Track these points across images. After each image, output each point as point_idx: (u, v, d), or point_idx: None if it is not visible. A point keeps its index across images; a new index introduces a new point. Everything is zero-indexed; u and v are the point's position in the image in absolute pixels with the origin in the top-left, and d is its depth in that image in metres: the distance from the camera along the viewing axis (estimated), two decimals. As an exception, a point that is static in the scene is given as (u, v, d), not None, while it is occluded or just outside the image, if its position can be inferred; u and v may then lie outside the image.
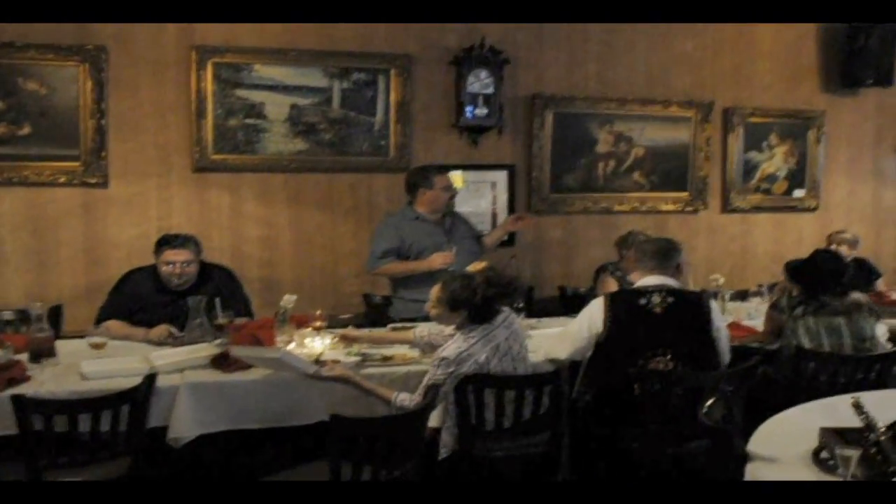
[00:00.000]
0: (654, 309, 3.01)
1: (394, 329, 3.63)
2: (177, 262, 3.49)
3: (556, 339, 3.20)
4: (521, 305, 3.69)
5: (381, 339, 3.40)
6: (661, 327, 3.01)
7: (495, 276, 2.90)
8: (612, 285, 4.15)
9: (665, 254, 3.14)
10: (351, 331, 3.42)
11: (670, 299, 3.03)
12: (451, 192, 4.04)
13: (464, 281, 2.86)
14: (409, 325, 3.61)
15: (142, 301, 3.53)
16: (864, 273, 4.91)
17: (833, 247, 4.77)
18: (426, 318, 3.21)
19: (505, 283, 2.89)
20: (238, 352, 2.96)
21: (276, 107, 4.58)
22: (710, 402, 2.48)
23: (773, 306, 3.51)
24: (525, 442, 2.88)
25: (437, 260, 3.80)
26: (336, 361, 3.02)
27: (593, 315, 3.07)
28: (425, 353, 3.15)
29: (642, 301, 3.02)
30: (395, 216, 4.12)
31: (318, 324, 3.34)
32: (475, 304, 2.81)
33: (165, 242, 3.53)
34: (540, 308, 4.56)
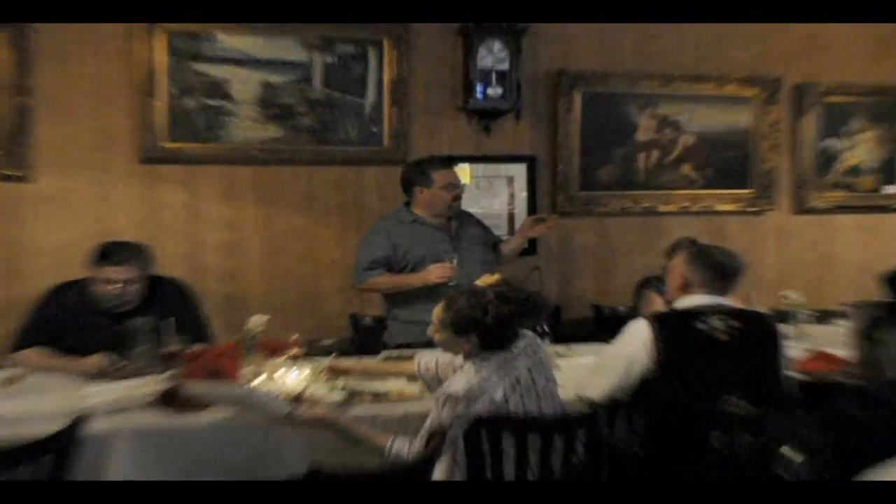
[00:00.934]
0: (718, 336, 2.94)
1: (389, 359, 3.55)
2: (117, 282, 3.42)
3: (588, 373, 3.12)
4: (545, 329, 3.61)
5: (375, 370, 3.33)
6: (728, 359, 2.93)
7: (511, 292, 2.82)
8: (658, 304, 4.05)
9: (724, 272, 3.07)
10: (337, 361, 3.33)
11: (735, 323, 2.96)
12: (454, 190, 3.97)
13: (472, 298, 2.79)
14: (406, 352, 3.54)
15: (72, 323, 3.43)
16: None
17: None
18: (429, 344, 3.14)
19: (523, 300, 2.81)
20: (193, 387, 2.88)
21: (244, 85, 4.58)
22: (790, 451, 2.40)
23: (862, 334, 3.38)
24: (555, 502, 2.73)
25: (434, 273, 3.76)
26: (316, 400, 2.93)
27: (636, 342, 2.98)
28: (431, 388, 3.06)
29: (700, 325, 2.94)
30: (387, 219, 4.09)
31: (293, 352, 3.28)
32: (487, 326, 2.73)
33: (106, 255, 3.44)
34: (569, 331, 4.50)
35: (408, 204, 4.04)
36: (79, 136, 4.42)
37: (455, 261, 3.78)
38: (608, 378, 3.02)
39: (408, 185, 4.01)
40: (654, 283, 4.24)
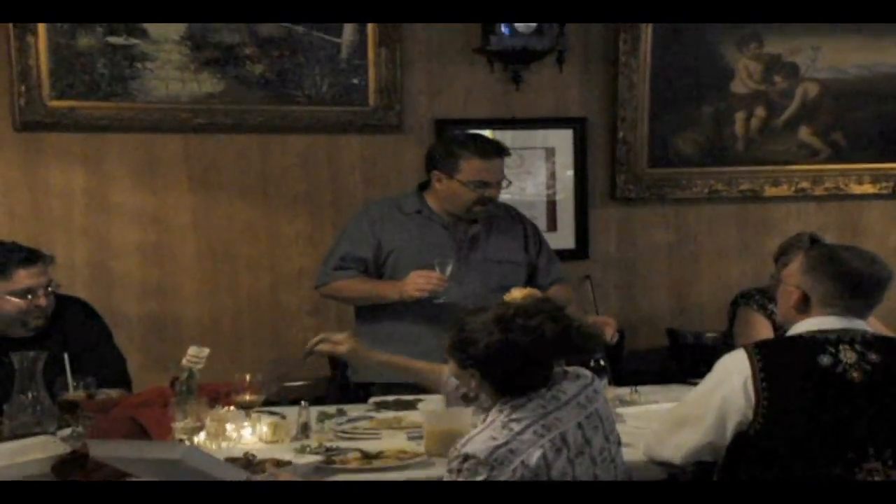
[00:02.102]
0: (849, 374, 2.89)
1: (380, 405, 3.64)
2: (39, 288, 3.49)
3: (664, 427, 3.13)
4: (601, 363, 3.61)
5: (388, 364, 3.55)
6: (864, 407, 2.88)
7: (522, 316, 2.80)
8: (764, 329, 4.10)
9: (860, 284, 3.02)
10: (335, 335, 3.52)
11: (874, 356, 2.91)
12: (483, 191, 3.95)
13: (469, 320, 2.80)
14: (405, 399, 3.61)
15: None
16: None
17: None
18: (410, 388, 3.24)
19: (534, 328, 2.79)
20: (103, 450, 2.85)
21: None
22: None
23: None
24: None
25: (413, 284, 3.79)
26: (281, 464, 2.95)
27: (732, 383, 2.94)
28: (450, 403, 3.22)
29: (824, 360, 2.90)
30: (379, 205, 4.16)
31: (247, 397, 3.31)
32: (482, 361, 2.74)
33: (11, 258, 3.50)
34: (635, 367, 4.59)
35: (423, 188, 4.09)
36: None
37: (449, 269, 3.79)
38: (692, 433, 3.01)
39: (429, 165, 4.05)
40: (756, 298, 4.26)
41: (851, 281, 3.01)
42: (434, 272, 3.78)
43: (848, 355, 2.90)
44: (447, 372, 3.24)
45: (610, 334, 3.87)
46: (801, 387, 2.89)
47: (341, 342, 3.49)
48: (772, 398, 2.88)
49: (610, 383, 3.67)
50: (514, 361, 2.72)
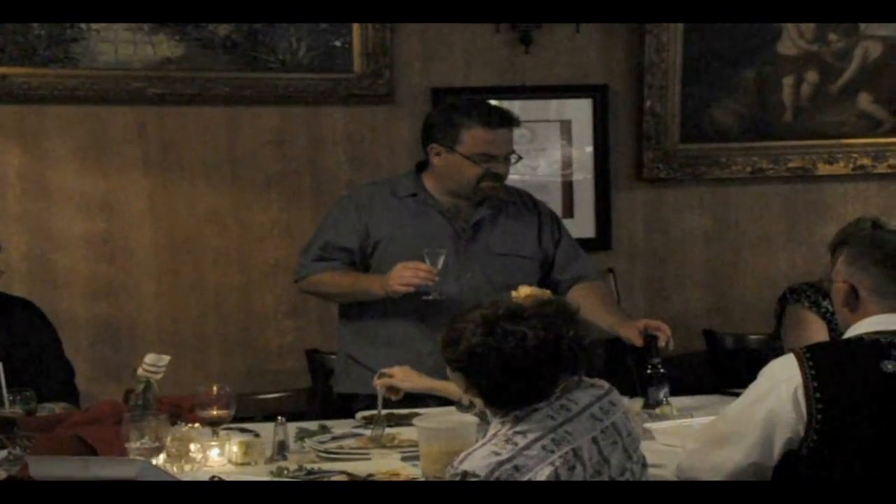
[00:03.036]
0: None
1: (367, 420, 3.63)
2: None
3: (701, 445, 3.14)
4: (660, 369, 3.76)
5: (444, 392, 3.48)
6: None
7: (508, 320, 2.82)
8: (817, 328, 4.12)
9: None
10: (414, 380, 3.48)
11: None
12: (489, 164, 3.95)
13: (456, 323, 2.81)
14: (399, 413, 3.60)
15: None
16: None
17: None
18: (405, 402, 3.26)
19: (521, 336, 2.80)
20: (46, 471, 2.86)
21: None
22: None
23: None
24: None
25: (397, 277, 3.77)
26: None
27: (779, 394, 2.94)
28: (464, 408, 3.24)
29: (888, 367, 2.88)
30: (369, 187, 4.19)
31: (214, 412, 3.30)
32: (461, 365, 2.76)
33: None
34: (668, 375, 4.50)
35: (422, 169, 4.11)
36: None
37: (441, 260, 3.80)
38: (733, 452, 3.02)
39: (426, 138, 4.06)
40: (808, 294, 4.26)
41: None
42: (423, 264, 3.78)
43: None
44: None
45: (664, 340, 3.92)
46: (862, 397, 2.88)
47: (401, 382, 3.50)
48: (827, 411, 2.86)
49: (641, 394, 3.76)
50: (495, 369, 2.72)
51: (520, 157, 4.13)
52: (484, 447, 2.70)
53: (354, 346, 3.97)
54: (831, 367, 2.91)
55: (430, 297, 3.67)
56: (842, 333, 3.21)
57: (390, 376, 3.48)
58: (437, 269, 3.75)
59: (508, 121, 4.02)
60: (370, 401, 3.71)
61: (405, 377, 3.50)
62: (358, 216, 3.99)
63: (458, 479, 2.68)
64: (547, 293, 3.18)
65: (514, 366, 2.70)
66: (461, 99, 4.32)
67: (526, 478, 2.65)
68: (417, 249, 3.85)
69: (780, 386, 2.94)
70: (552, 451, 2.67)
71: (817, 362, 2.90)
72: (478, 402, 2.90)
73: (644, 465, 2.88)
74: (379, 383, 3.45)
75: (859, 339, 2.97)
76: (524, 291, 3.18)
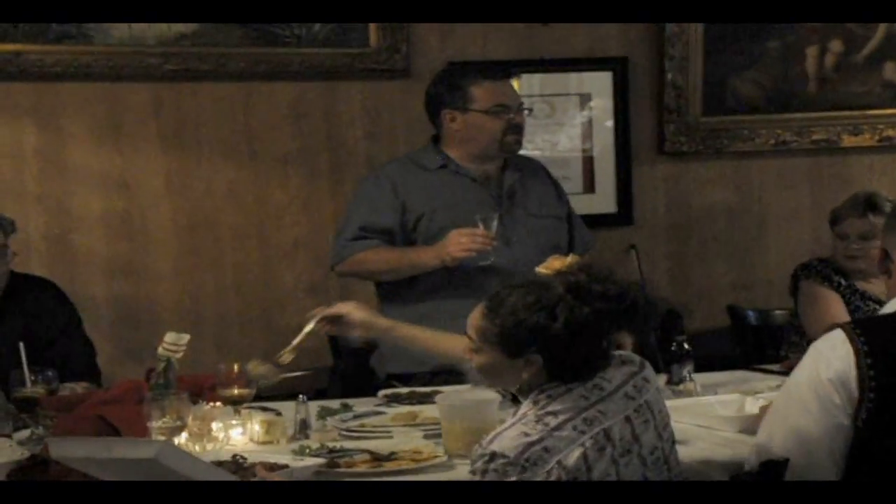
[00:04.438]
0: None
1: (390, 398, 3.68)
2: None
3: (763, 430, 3.10)
4: (685, 346, 3.77)
5: (413, 338, 3.50)
6: None
7: (595, 281, 2.85)
8: (833, 302, 4.16)
9: None
10: (349, 307, 3.44)
11: None
12: (508, 115, 4.03)
13: (531, 294, 2.83)
14: (419, 391, 3.66)
15: None
16: None
17: None
18: (444, 379, 3.26)
19: (617, 295, 2.85)
20: (68, 451, 2.85)
21: None
22: None
23: None
24: None
25: (456, 244, 3.82)
26: (275, 467, 2.98)
27: (823, 369, 2.98)
28: (476, 384, 3.24)
29: None
30: (399, 163, 4.22)
31: (235, 391, 3.34)
32: (557, 339, 2.76)
33: None
34: (693, 350, 4.59)
35: (437, 140, 4.14)
36: None
37: (494, 224, 3.83)
38: (785, 430, 3.01)
39: (434, 109, 4.10)
40: (818, 269, 4.30)
41: None
42: (478, 229, 3.80)
43: None
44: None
45: None
46: None
47: (350, 315, 3.41)
48: (881, 387, 2.86)
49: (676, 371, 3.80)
50: (561, 342, 2.74)
51: (530, 109, 4.21)
52: (514, 427, 2.73)
53: (413, 319, 3.90)
54: (884, 342, 2.88)
55: (488, 262, 3.70)
56: (872, 302, 3.25)
57: (342, 320, 3.39)
58: (493, 234, 3.78)
59: (508, 72, 4.20)
60: (427, 378, 3.78)
61: (356, 313, 3.43)
62: (394, 194, 4.01)
63: (486, 459, 2.73)
64: (574, 260, 3.19)
65: (610, 328, 2.78)
66: (453, 65, 4.44)
67: (555, 459, 2.68)
68: (463, 219, 3.87)
69: (834, 367, 2.99)
70: (583, 433, 2.70)
71: (868, 337, 2.88)
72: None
73: (673, 443, 2.91)
74: (317, 312, 3.42)
75: None
76: (553, 264, 3.19)
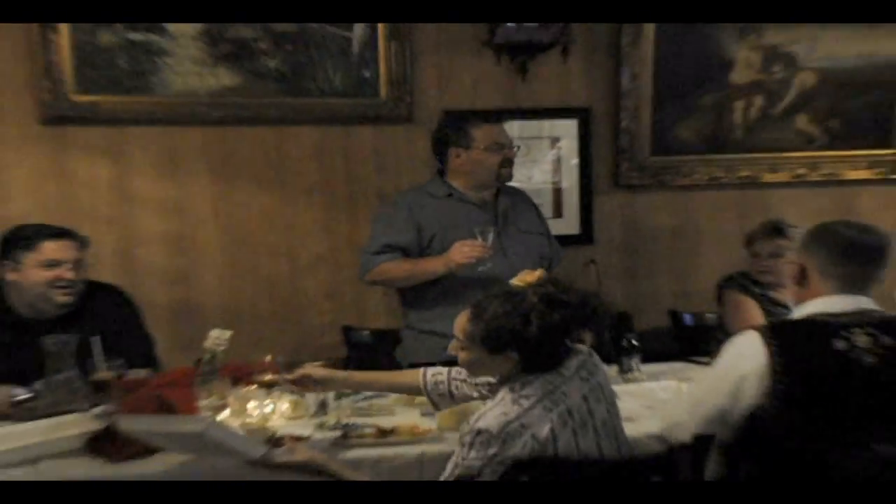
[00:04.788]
0: (864, 359, 2.89)
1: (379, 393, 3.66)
2: (65, 262, 3.57)
3: (681, 406, 3.16)
4: (633, 343, 3.83)
5: (368, 383, 3.45)
6: (879, 392, 2.84)
7: (561, 291, 2.86)
8: (753, 309, 4.17)
9: (868, 257, 3.00)
10: (313, 369, 3.36)
11: (886, 339, 2.87)
12: (502, 152, 4.06)
13: (508, 303, 2.84)
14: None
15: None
16: None
17: None
18: (453, 362, 3.19)
19: (578, 303, 2.86)
20: (132, 426, 2.91)
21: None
22: None
23: None
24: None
25: (458, 253, 3.83)
26: (300, 438, 3.01)
27: (747, 364, 2.95)
28: (439, 408, 3.23)
29: (839, 344, 2.86)
30: (413, 192, 4.21)
31: (268, 377, 3.33)
32: (530, 339, 2.78)
33: (38, 232, 3.60)
34: (640, 346, 4.57)
35: (442, 173, 4.15)
36: None
37: (490, 237, 3.83)
38: (698, 409, 3.04)
39: (441, 147, 4.12)
40: (739, 280, 4.35)
41: (844, 247, 2.98)
42: (477, 241, 3.81)
43: (861, 339, 2.85)
44: (429, 371, 3.29)
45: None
46: (818, 372, 2.85)
47: (313, 374, 3.31)
48: (788, 383, 2.84)
49: (639, 363, 3.86)
50: (534, 342, 2.77)
51: (519, 147, 4.21)
52: (495, 408, 2.76)
53: (422, 323, 3.99)
54: (791, 345, 2.89)
55: (485, 268, 3.71)
56: (778, 306, 3.24)
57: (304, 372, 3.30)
58: (489, 244, 3.78)
59: (499, 117, 4.23)
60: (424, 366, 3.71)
61: (325, 372, 3.36)
62: (410, 216, 4.01)
63: (473, 434, 2.73)
64: (542, 274, 3.15)
65: (567, 325, 2.80)
66: (450, 113, 4.50)
67: (529, 433, 2.70)
68: (468, 237, 3.87)
69: (746, 361, 2.94)
70: (550, 410, 2.75)
71: (779, 341, 2.89)
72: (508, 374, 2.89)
73: (619, 416, 2.95)
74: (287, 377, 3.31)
75: (812, 320, 2.95)
76: (525, 277, 3.13)
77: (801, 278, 3.04)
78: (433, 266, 3.91)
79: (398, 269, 3.98)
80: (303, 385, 3.28)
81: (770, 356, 2.87)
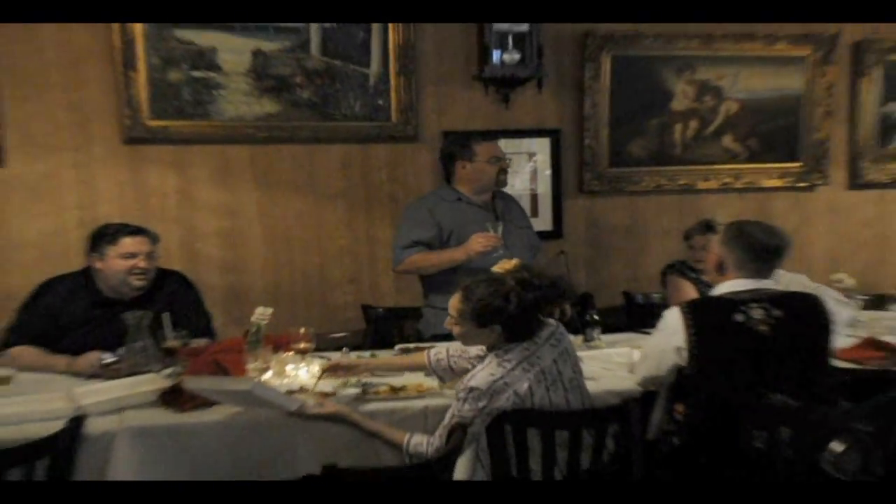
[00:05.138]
0: (758, 329, 2.95)
1: (404, 351, 3.68)
2: (141, 254, 3.59)
3: (639, 362, 3.24)
4: (595, 318, 3.87)
5: (386, 366, 3.43)
6: (770, 354, 2.94)
7: (534, 276, 2.91)
8: (688, 290, 4.19)
9: (765, 252, 3.06)
10: (342, 359, 3.44)
11: (777, 312, 2.96)
12: (499, 163, 4.09)
13: (492, 286, 2.88)
14: (423, 346, 3.65)
15: (65, 319, 3.58)
16: None
17: None
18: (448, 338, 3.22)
19: (548, 285, 2.90)
20: (195, 384, 2.96)
21: (234, 54, 4.65)
22: (839, 448, 2.45)
23: None
24: (585, 500, 2.87)
25: (478, 242, 3.85)
26: (328, 394, 3.05)
27: (670, 333, 3.04)
28: (444, 381, 3.21)
29: (738, 317, 2.95)
30: (429, 196, 4.21)
31: (302, 345, 3.35)
32: (510, 315, 2.82)
33: (119, 230, 3.62)
34: (600, 320, 4.60)
35: (448, 181, 4.16)
36: (52, 114, 4.46)
37: (500, 229, 3.86)
38: (642, 369, 3.15)
39: (449, 160, 4.13)
40: (678, 267, 4.39)
41: (755, 250, 3.04)
42: (491, 233, 3.83)
43: (756, 313, 2.93)
44: (432, 352, 3.28)
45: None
46: (722, 338, 2.94)
47: (340, 362, 3.35)
48: (701, 347, 2.93)
49: (599, 333, 3.90)
50: (535, 312, 2.84)
51: (511, 159, 4.26)
52: (484, 370, 2.81)
53: (440, 302, 3.89)
54: (702, 318, 2.98)
55: (498, 255, 3.64)
56: (710, 287, 3.28)
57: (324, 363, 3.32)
58: (499, 235, 3.81)
59: (495, 136, 4.27)
60: (440, 338, 3.74)
61: (348, 362, 3.38)
62: (431, 216, 4.01)
63: (466, 391, 2.77)
64: (518, 263, 3.16)
65: (539, 303, 2.85)
66: (449, 133, 4.59)
67: (511, 389, 2.76)
68: (477, 231, 3.88)
69: (669, 329, 3.03)
70: (528, 371, 2.80)
71: (693, 313, 2.99)
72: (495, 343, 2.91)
73: (582, 375, 2.98)
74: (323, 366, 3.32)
75: (719, 298, 3.04)
76: (504, 265, 3.12)
77: (720, 268, 3.11)
78: (455, 255, 3.90)
79: (425, 259, 3.97)
80: (334, 372, 3.26)
81: (687, 327, 2.95)
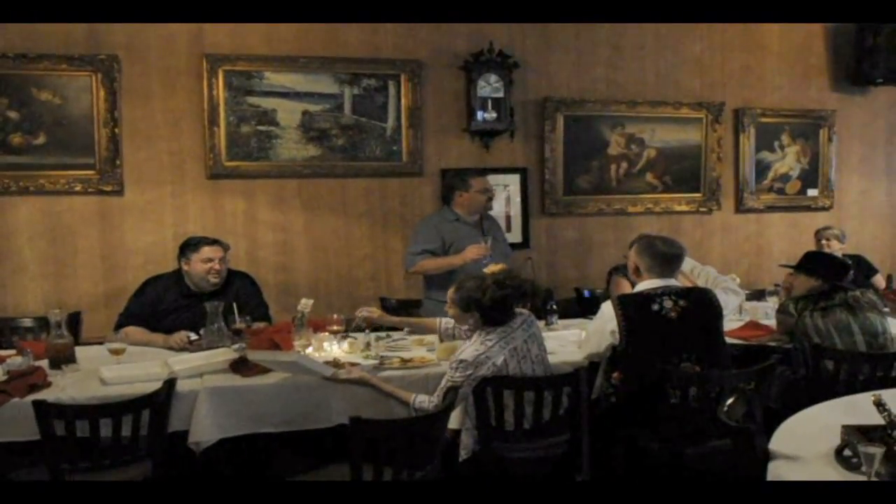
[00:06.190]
0: (670, 314, 2.96)
1: (410, 331, 3.66)
2: (216, 259, 3.57)
3: (584, 343, 3.22)
4: (554, 307, 3.84)
5: (407, 322, 3.54)
6: (679, 332, 2.96)
7: (506, 278, 2.90)
8: (626, 287, 4.10)
9: (666, 258, 3.07)
10: (374, 312, 3.46)
11: (682, 302, 2.98)
12: (488, 193, 4.06)
13: (475, 282, 2.89)
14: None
15: (162, 306, 3.58)
16: (863, 269, 4.91)
17: (823, 243, 4.88)
18: None
19: (516, 286, 2.90)
20: (256, 356, 2.97)
21: (288, 113, 4.62)
22: (730, 401, 2.46)
23: (780, 309, 3.50)
24: (545, 443, 2.88)
25: (472, 251, 3.81)
26: (354, 364, 3.03)
27: (604, 320, 3.05)
28: (443, 339, 3.27)
29: (654, 307, 2.97)
30: (434, 216, 4.17)
31: (335, 328, 3.36)
32: (484, 305, 2.83)
33: (201, 241, 3.61)
34: (558, 309, 4.57)
35: (447, 205, 4.11)
36: (158, 158, 4.49)
37: (489, 242, 3.84)
38: (587, 347, 3.15)
39: (449, 190, 4.09)
40: (620, 270, 4.28)
41: (659, 257, 3.05)
42: (481, 246, 3.80)
43: (668, 303, 2.95)
44: (443, 320, 3.34)
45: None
46: (644, 323, 2.95)
47: (373, 313, 3.44)
48: (629, 330, 2.94)
49: (557, 319, 3.89)
50: (504, 304, 2.83)
51: (494, 190, 4.19)
52: (471, 346, 2.82)
53: (438, 296, 3.87)
54: (629, 308, 2.99)
55: (485, 263, 3.62)
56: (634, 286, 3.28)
57: (370, 312, 3.41)
58: (489, 246, 3.77)
59: (484, 173, 4.18)
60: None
61: (381, 314, 3.48)
62: (437, 231, 3.97)
63: (457, 362, 2.77)
64: (504, 267, 3.19)
65: (512, 301, 2.84)
66: (447, 170, 4.55)
67: (491, 361, 2.75)
68: (471, 243, 3.84)
69: (604, 317, 3.04)
70: (504, 348, 2.80)
71: (623, 306, 2.99)
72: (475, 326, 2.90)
73: (545, 352, 2.97)
74: (361, 313, 3.38)
75: (640, 293, 3.04)
76: (493, 268, 3.16)
77: (636, 271, 3.12)
78: (454, 261, 3.85)
79: (431, 263, 3.92)
80: (368, 320, 3.34)
81: (618, 315, 2.95)
